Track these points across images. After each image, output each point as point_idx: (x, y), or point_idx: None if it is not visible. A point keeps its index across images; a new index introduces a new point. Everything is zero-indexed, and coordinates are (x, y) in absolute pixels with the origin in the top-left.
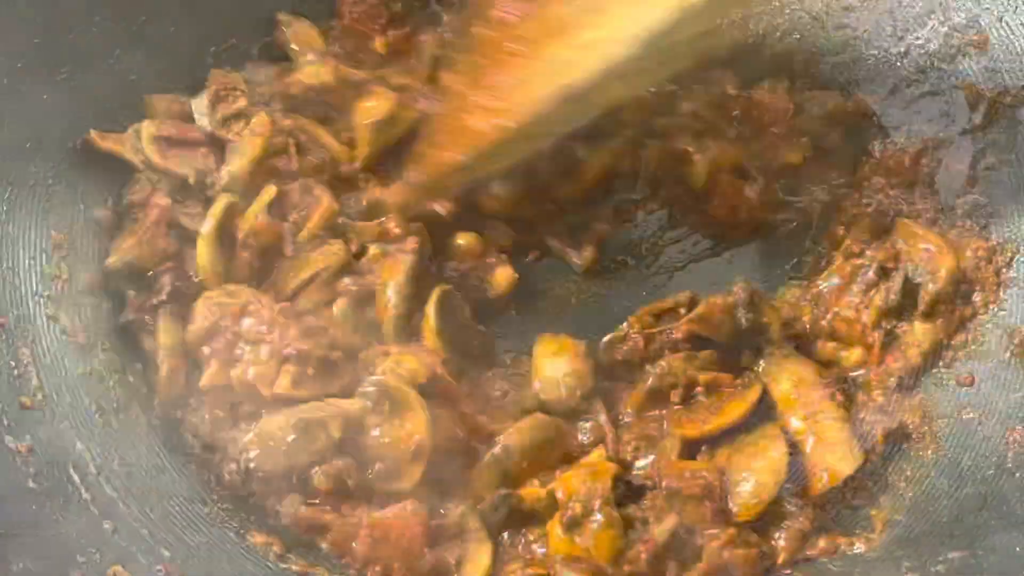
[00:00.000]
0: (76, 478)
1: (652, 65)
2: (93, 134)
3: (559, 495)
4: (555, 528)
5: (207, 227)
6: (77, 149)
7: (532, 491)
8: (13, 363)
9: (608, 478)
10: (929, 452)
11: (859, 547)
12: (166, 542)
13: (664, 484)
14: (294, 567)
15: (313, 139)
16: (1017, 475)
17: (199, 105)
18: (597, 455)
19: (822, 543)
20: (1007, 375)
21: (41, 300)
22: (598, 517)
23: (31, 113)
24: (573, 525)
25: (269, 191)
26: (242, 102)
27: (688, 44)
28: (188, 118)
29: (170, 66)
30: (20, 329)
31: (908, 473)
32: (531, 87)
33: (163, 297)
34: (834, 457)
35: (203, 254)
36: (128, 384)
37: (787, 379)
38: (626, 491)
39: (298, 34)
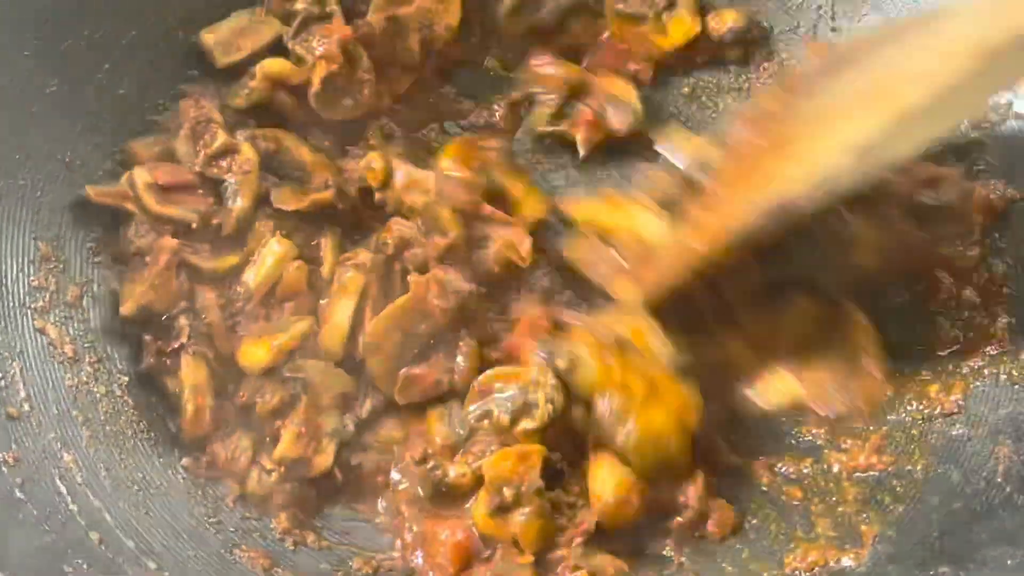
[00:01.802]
0: (63, 489)
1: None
2: (89, 189)
3: (487, 476)
4: (479, 508)
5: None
6: (65, 162)
7: (460, 469)
8: (0, 374)
9: (537, 462)
10: (919, 467)
11: (848, 561)
12: (152, 554)
13: None
14: None
15: (290, 157)
16: (1007, 489)
17: (181, 146)
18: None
19: (811, 556)
20: (995, 391)
21: (28, 312)
22: (527, 509)
23: (20, 125)
24: (501, 511)
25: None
26: (221, 137)
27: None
28: (174, 158)
29: (159, 81)
30: (7, 341)
31: (898, 488)
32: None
33: (183, 340)
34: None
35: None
36: (115, 397)
37: None
38: (551, 474)
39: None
